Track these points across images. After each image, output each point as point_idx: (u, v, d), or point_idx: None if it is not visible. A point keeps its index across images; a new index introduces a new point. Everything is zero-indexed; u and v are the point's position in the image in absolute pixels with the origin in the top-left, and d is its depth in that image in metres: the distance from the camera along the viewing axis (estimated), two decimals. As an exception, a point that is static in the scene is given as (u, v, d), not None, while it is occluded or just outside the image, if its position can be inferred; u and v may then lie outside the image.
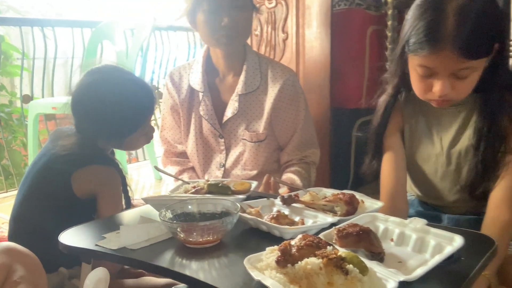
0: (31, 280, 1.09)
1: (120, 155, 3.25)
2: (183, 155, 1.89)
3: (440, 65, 1.15)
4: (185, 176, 1.77)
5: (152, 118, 1.53)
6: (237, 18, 1.62)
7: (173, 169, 1.84)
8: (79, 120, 1.38)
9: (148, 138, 1.46)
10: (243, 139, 1.73)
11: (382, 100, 1.43)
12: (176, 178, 1.67)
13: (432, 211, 1.42)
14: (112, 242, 1.02)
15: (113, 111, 1.34)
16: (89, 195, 1.33)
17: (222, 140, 1.76)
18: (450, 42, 1.10)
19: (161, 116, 1.92)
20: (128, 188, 1.44)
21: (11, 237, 1.37)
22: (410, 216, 1.10)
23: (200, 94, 1.76)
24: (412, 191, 1.48)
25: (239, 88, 1.72)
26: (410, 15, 1.20)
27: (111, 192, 1.36)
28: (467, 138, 1.30)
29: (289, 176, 1.66)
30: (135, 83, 1.41)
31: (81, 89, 1.37)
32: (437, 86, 1.18)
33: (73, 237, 1.07)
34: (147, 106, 1.42)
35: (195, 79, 1.77)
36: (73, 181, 1.31)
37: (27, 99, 3.15)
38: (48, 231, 1.26)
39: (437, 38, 1.12)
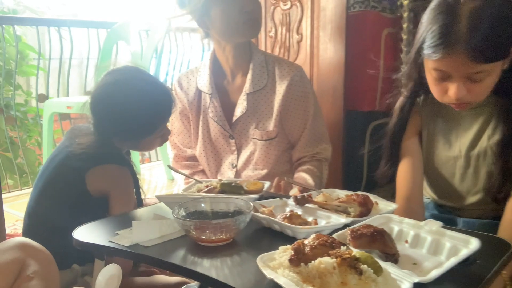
0: (44, 276, 1.10)
1: (133, 156, 3.27)
2: (192, 159, 1.89)
3: (453, 69, 1.15)
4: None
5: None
6: (255, 2, 1.66)
7: None
8: (97, 120, 1.38)
9: (163, 140, 1.47)
10: (253, 138, 1.73)
11: (399, 103, 1.42)
12: (189, 177, 1.67)
13: (448, 214, 1.40)
14: (125, 238, 1.02)
15: (132, 113, 1.35)
16: (102, 194, 1.33)
17: (233, 140, 1.76)
18: (462, 45, 1.10)
19: (170, 122, 1.93)
20: (141, 189, 1.45)
21: (25, 233, 1.38)
22: (425, 219, 1.09)
23: (208, 97, 1.76)
24: (427, 194, 1.47)
25: (246, 87, 1.72)
26: (425, 18, 1.20)
27: (123, 192, 1.37)
28: (486, 140, 1.29)
29: (301, 175, 1.66)
30: (155, 85, 1.41)
31: (101, 89, 1.38)
32: (452, 89, 1.17)
33: (87, 233, 1.08)
34: (166, 108, 1.42)
35: (202, 81, 1.77)
36: (88, 179, 1.32)
37: (42, 98, 3.18)
38: (61, 227, 1.27)
39: (450, 41, 1.12)
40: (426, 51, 1.17)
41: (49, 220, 1.34)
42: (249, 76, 1.72)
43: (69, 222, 1.15)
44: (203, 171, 1.87)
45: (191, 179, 1.69)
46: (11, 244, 1.13)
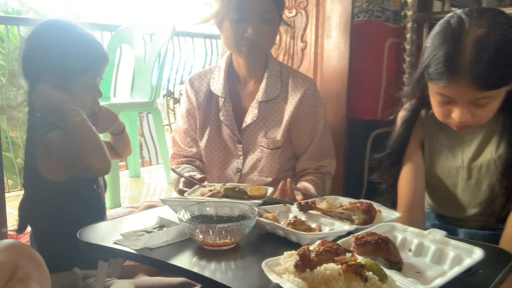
0: (36, 277, 1.10)
1: (134, 159, 3.28)
2: (190, 157, 1.88)
3: (457, 95, 1.16)
4: (185, 168, 1.77)
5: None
6: (262, 31, 1.64)
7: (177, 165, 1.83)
8: (27, 73, 1.38)
9: (94, 97, 1.44)
10: (260, 145, 1.74)
11: (402, 116, 1.43)
12: (191, 180, 1.67)
13: (449, 225, 1.41)
14: (130, 241, 1.02)
15: (53, 48, 1.35)
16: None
17: (240, 145, 1.77)
18: (467, 73, 1.11)
19: (176, 119, 1.93)
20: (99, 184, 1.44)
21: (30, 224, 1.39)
22: (426, 229, 1.10)
23: (221, 100, 1.77)
24: (428, 204, 1.48)
25: (259, 95, 1.74)
26: (430, 42, 1.20)
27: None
28: (489, 152, 1.30)
29: (304, 184, 1.66)
30: (77, 29, 1.41)
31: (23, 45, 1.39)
32: (456, 113, 1.18)
33: (92, 234, 1.08)
34: (89, 51, 1.40)
35: (216, 84, 1.79)
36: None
37: (45, 99, 3.18)
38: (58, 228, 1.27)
39: (455, 68, 1.12)
40: (431, 76, 1.18)
41: (45, 219, 1.34)
42: (263, 84, 1.74)
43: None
44: (198, 168, 1.85)
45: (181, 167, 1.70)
46: (3, 245, 1.12)
